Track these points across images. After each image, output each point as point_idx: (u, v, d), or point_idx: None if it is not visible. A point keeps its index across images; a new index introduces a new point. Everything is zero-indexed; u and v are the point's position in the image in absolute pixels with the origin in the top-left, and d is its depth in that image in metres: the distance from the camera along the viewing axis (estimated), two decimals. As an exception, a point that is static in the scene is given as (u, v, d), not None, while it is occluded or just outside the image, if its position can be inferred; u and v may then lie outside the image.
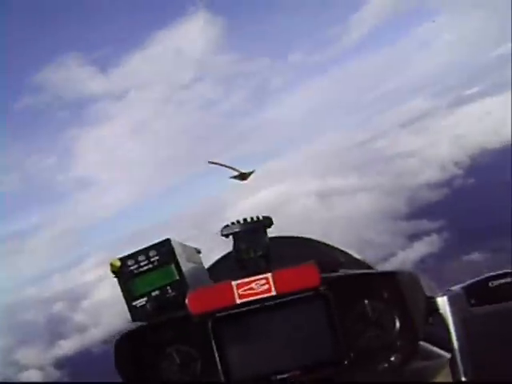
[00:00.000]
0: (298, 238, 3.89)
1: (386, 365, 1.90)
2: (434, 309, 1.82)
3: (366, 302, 1.95)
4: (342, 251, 3.57)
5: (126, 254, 1.99)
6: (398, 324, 1.94)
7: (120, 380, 1.91)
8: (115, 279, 2.00)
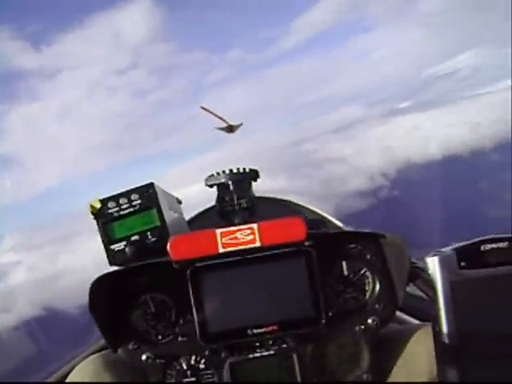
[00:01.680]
0: (280, 199, 4.03)
1: (363, 327, 1.91)
2: (417, 274, 1.81)
3: (348, 262, 1.95)
4: (320, 214, 3.72)
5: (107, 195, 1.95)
6: (378, 287, 1.94)
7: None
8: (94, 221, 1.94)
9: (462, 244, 1.55)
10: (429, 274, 1.58)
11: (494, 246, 1.50)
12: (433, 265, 1.55)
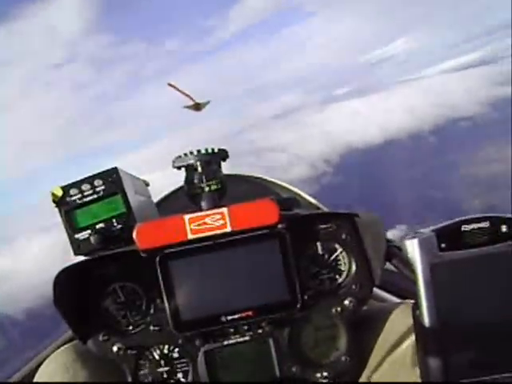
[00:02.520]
0: (251, 176, 3.98)
1: (340, 309, 1.88)
2: (394, 253, 1.76)
3: (323, 243, 1.92)
4: (293, 191, 3.61)
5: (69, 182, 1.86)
6: (353, 267, 1.91)
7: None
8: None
9: (441, 225, 1.50)
10: (408, 258, 1.52)
11: (474, 226, 1.47)
12: (412, 247, 1.50)
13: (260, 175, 4.09)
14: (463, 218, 1.49)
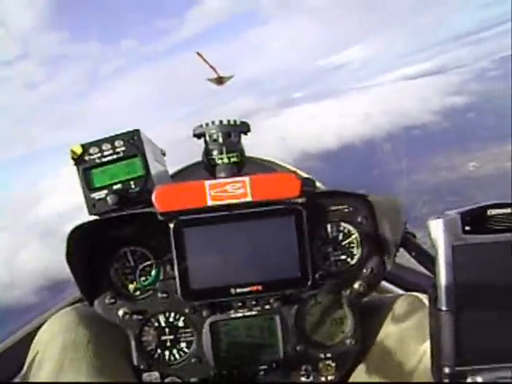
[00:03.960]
0: (270, 160, 3.95)
1: (349, 291, 1.89)
2: (408, 239, 1.74)
3: (339, 224, 1.92)
4: (309, 178, 3.62)
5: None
6: (366, 251, 1.91)
7: None
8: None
9: (467, 208, 1.48)
10: (431, 238, 1.50)
11: (499, 211, 1.45)
12: (436, 228, 1.47)
13: (277, 160, 4.06)
14: (489, 202, 1.48)
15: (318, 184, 3.70)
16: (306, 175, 3.88)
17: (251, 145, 1.91)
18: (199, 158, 1.97)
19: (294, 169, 3.94)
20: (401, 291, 2.71)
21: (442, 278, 1.46)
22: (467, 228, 1.45)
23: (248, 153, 1.92)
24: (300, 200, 1.73)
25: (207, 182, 1.69)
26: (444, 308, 1.46)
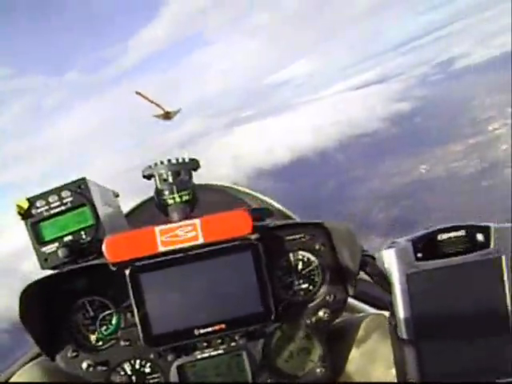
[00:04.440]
0: (222, 186, 3.94)
1: (314, 320, 1.87)
2: (367, 262, 1.74)
3: (296, 253, 1.90)
4: (266, 201, 3.61)
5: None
6: (328, 277, 1.89)
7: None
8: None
9: (417, 234, 1.51)
10: (384, 267, 1.54)
11: (450, 235, 1.48)
12: (389, 258, 1.51)
13: (231, 185, 4.05)
14: (439, 226, 1.50)
15: (276, 205, 3.65)
16: (261, 196, 3.83)
17: (203, 166, 1.88)
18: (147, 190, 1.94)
19: (249, 191, 3.93)
20: (366, 307, 2.72)
21: (400, 306, 1.48)
22: (419, 255, 1.48)
23: (200, 176, 1.91)
24: (253, 236, 1.72)
25: (157, 229, 1.67)
26: (405, 336, 1.48)
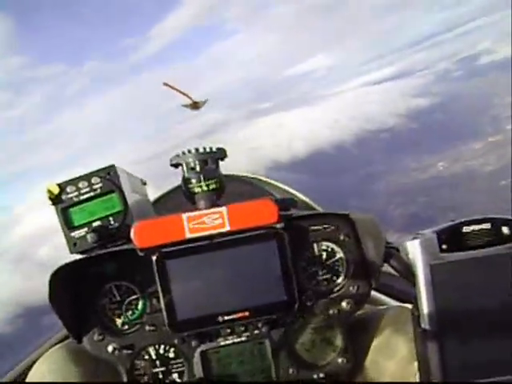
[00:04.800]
0: (249, 177, 3.99)
1: (337, 310, 1.88)
2: (392, 254, 1.74)
3: (321, 243, 1.91)
4: (290, 192, 3.65)
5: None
6: (352, 269, 1.91)
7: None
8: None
9: (443, 226, 1.51)
10: (409, 258, 1.53)
11: (475, 227, 1.47)
12: (413, 248, 1.51)
13: (257, 175, 4.07)
14: (464, 219, 1.49)
15: (301, 196, 3.68)
16: (285, 187, 3.84)
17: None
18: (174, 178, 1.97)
19: (273, 182, 3.95)
20: (389, 300, 2.72)
21: (423, 297, 1.48)
22: (444, 246, 1.47)
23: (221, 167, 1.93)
24: (279, 225, 1.74)
25: (185, 215, 1.70)
26: (428, 327, 1.48)
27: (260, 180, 3.98)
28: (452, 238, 1.48)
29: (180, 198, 1.92)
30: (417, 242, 1.50)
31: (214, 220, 1.71)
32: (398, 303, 2.58)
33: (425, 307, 1.48)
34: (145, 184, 2.34)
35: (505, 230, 1.46)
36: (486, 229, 1.47)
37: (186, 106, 2.71)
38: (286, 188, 3.79)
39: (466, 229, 1.48)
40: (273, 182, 3.91)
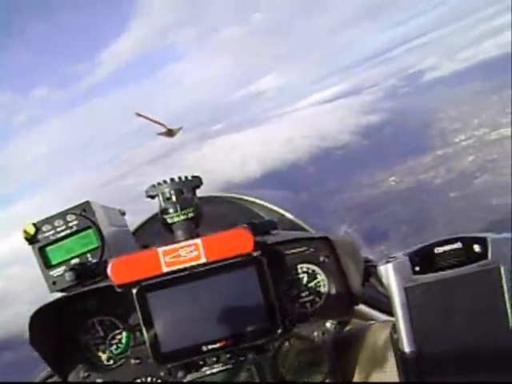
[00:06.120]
0: (229, 196, 3.96)
1: (321, 333, 1.91)
2: (372, 273, 1.80)
3: (301, 266, 1.94)
4: (275, 210, 3.61)
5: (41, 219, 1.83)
6: (333, 289, 1.93)
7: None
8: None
9: (414, 248, 1.53)
10: (383, 283, 1.56)
11: (446, 248, 1.50)
12: (386, 272, 1.53)
13: (240, 195, 4.06)
14: (436, 240, 1.52)
15: (287, 214, 3.63)
16: (270, 206, 3.81)
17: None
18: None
19: (258, 201, 3.90)
20: (379, 314, 2.72)
21: (400, 320, 1.51)
22: (417, 269, 1.50)
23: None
24: (255, 253, 1.75)
25: (160, 250, 1.71)
26: (406, 350, 1.51)
27: (243, 199, 3.97)
28: (424, 260, 1.51)
29: (158, 227, 1.93)
30: (390, 265, 1.52)
31: (189, 252, 1.73)
32: (384, 316, 2.60)
33: (402, 329, 1.51)
34: (123, 214, 2.34)
35: (476, 248, 1.48)
36: (458, 248, 1.50)
37: (161, 133, 2.79)
38: (271, 206, 3.76)
39: (437, 249, 1.51)
40: (257, 200, 3.88)
